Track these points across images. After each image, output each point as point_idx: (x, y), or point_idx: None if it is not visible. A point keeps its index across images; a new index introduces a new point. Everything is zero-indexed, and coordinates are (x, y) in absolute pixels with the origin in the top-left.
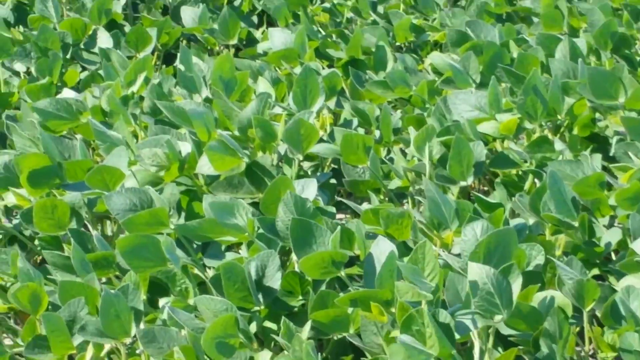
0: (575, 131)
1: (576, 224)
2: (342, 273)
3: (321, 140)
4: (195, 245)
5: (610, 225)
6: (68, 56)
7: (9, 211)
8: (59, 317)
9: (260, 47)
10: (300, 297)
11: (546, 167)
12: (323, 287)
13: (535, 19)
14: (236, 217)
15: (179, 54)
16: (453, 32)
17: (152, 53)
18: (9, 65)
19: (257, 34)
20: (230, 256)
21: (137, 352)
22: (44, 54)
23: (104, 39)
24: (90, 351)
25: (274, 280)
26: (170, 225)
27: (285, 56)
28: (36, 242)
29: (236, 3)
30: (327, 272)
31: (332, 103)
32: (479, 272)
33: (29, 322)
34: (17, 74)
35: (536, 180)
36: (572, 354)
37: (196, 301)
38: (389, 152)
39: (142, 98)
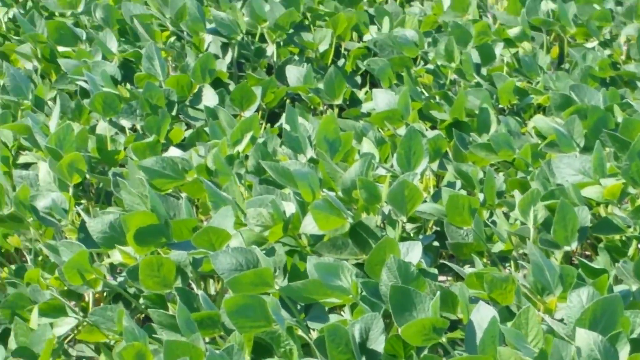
0: None
1: None
2: (444, 339)
3: (424, 202)
4: (298, 307)
5: None
6: (173, 113)
7: (113, 268)
8: None
9: (364, 108)
10: None
11: None
12: (426, 352)
13: (639, 84)
14: (341, 279)
15: (284, 114)
16: (557, 96)
17: (257, 111)
18: (115, 121)
19: (360, 94)
20: (333, 318)
21: None
22: (152, 111)
23: (210, 97)
24: None
25: (378, 344)
26: (275, 286)
27: (389, 117)
28: (141, 300)
29: (340, 63)
30: (429, 339)
31: (435, 165)
32: (586, 338)
33: None
34: (122, 130)
35: None
36: None
37: None
38: (491, 214)
39: (246, 157)
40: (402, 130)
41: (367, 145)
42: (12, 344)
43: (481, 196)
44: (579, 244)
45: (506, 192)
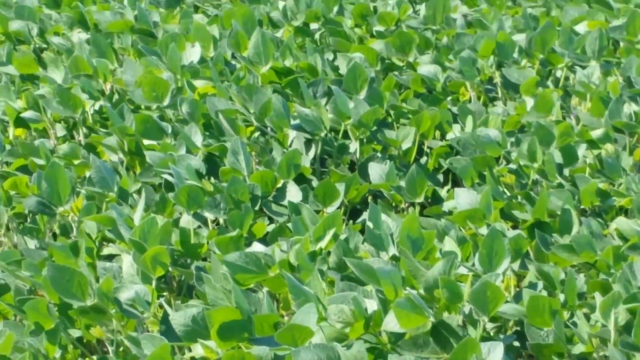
0: None
1: None
2: None
3: (505, 302)
4: None
5: None
6: (257, 208)
7: None
8: None
9: (446, 206)
10: None
11: None
12: None
13: None
14: None
15: (367, 211)
16: (639, 198)
17: (339, 208)
18: (200, 213)
19: (442, 192)
20: None
21: None
22: (236, 206)
23: (294, 193)
24: None
25: None
26: None
27: (471, 216)
28: None
29: (422, 160)
30: None
31: (516, 265)
32: None
33: None
34: (205, 223)
35: None
36: None
37: None
38: (572, 315)
39: (329, 253)
40: (483, 230)
41: (449, 244)
42: None
43: (562, 297)
44: None
45: (587, 294)
